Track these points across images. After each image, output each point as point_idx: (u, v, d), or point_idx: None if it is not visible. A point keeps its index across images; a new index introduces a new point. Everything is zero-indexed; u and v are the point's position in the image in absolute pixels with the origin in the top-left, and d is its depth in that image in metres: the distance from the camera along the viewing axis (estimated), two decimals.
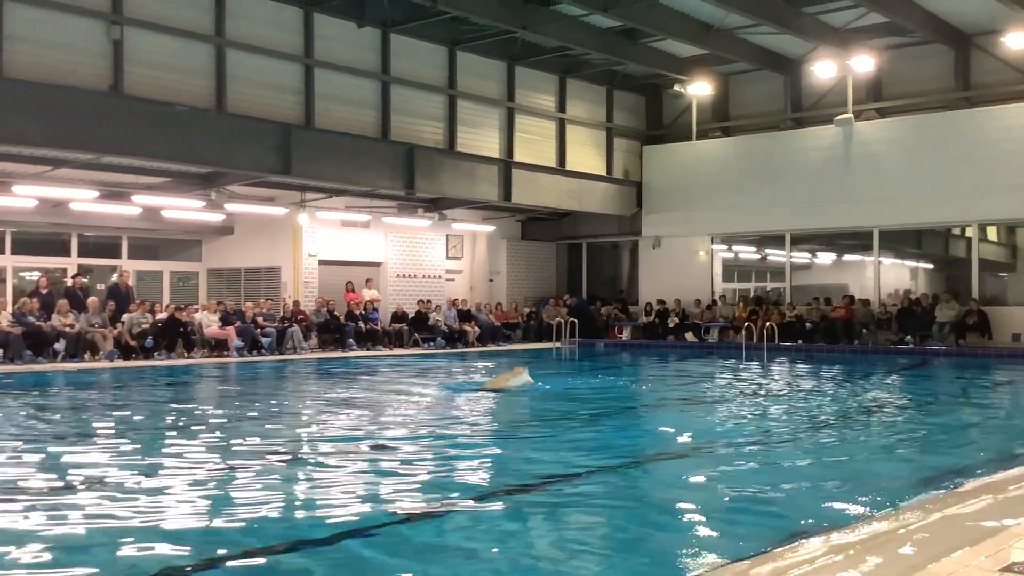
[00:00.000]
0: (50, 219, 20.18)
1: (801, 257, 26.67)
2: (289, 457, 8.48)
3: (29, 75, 15.92)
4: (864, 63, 22.84)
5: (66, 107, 15.96)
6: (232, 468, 7.74)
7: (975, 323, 21.20)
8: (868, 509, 6.10)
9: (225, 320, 19.78)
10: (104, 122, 16.39)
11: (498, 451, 8.93)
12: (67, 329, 17.59)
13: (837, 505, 6.28)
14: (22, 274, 21.21)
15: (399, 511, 6.22)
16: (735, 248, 27.24)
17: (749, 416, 11.42)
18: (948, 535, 5.07)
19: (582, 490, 6.99)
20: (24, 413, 11.18)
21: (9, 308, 17.81)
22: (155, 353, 18.37)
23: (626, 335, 25.71)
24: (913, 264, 26.38)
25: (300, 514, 6.28)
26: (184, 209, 20.81)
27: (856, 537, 5.14)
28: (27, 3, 16.12)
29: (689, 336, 24.57)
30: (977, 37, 22.92)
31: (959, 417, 11.82)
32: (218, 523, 5.94)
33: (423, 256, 25.42)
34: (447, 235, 25.90)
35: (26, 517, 6.06)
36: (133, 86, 17.30)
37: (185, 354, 18.92)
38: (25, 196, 18.33)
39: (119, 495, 6.68)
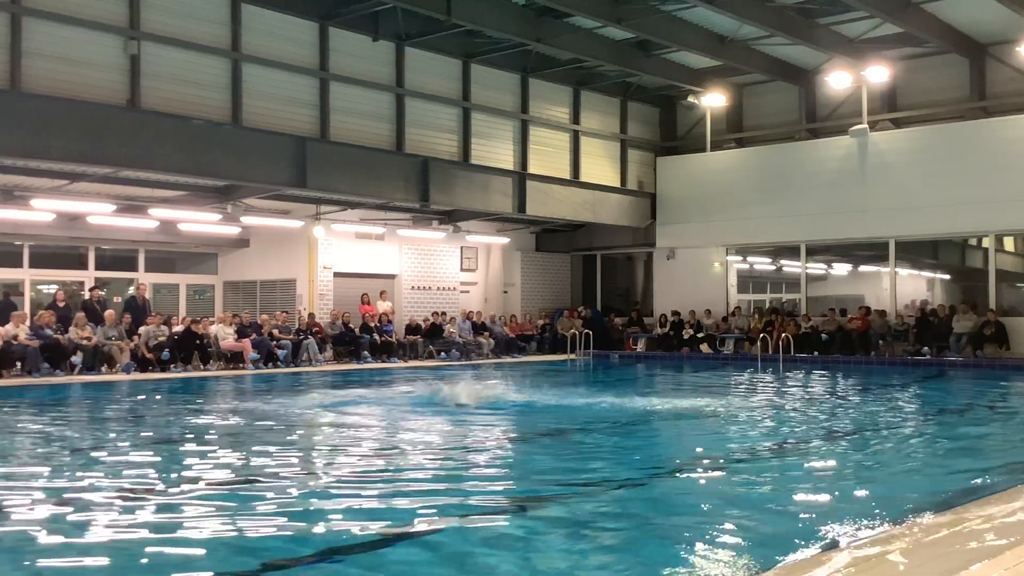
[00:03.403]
0: (67, 233, 20.31)
1: (816, 268, 26.57)
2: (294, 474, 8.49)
3: (47, 90, 16.06)
4: (879, 73, 22.80)
5: (84, 121, 16.09)
6: (242, 484, 7.76)
7: (993, 334, 21.07)
8: (886, 522, 6.06)
9: (241, 333, 19.85)
10: (121, 136, 16.52)
11: (500, 466, 8.92)
12: (84, 342, 17.68)
13: (854, 518, 6.23)
14: (40, 287, 21.35)
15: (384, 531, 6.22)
16: (750, 259, 27.17)
17: (762, 428, 11.37)
18: (967, 547, 5.04)
19: (589, 506, 6.96)
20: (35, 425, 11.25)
21: (27, 321, 17.92)
22: (171, 366, 18.45)
23: (641, 347, 25.65)
24: (930, 275, 26.23)
25: (302, 532, 6.27)
26: (200, 222, 20.92)
27: (874, 550, 5.11)
28: (45, 19, 16.27)
29: (704, 348, 24.51)
30: (992, 47, 22.85)
31: (977, 428, 11.74)
32: (241, 536, 5.95)
33: (437, 268, 25.46)
34: (461, 247, 25.94)
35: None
36: (150, 100, 17.43)
37: (201, 367, 18.99)
38: (43, 210, 18.47)
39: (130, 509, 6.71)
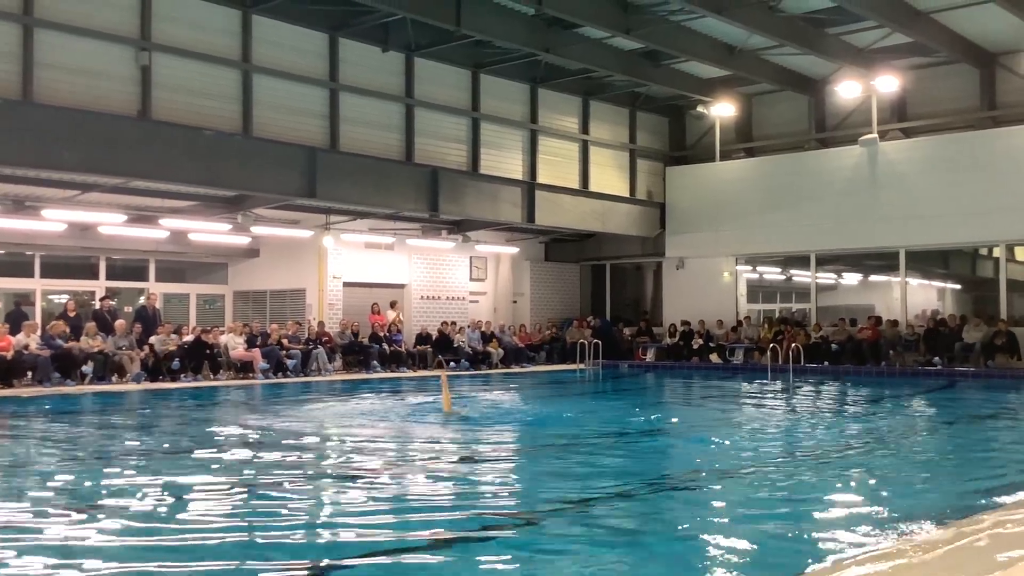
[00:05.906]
0: (79, 243, 20.39)
1: (827, 278, 26.51)
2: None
3: (59, 101, 16.15)
4: (888, 83, 22.77)
5: (95, 132, 16.16)
6: (249, 488, 7.77)
7: (1004, 344, 20.97)
8: (899, 533, 6.03)
9: (251, 342, 19.89)
10: (133, 147, 16.58)
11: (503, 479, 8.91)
12: (95, 351, 17.73)
13: (870, 528, 6.21)
14: (51, 297, 21.44)
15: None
16: (760, 269, 27.12)
17: (773, 439, 11.33)
18: (980, 559, 5.01)
19: (596, 517, 6.94)
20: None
21: (38, 331, 17.98)
22: (182, 375, 18.49)
23: (650, 356, 25.61)
24: (940, 284, 26.15)
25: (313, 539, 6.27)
26: (211, 232, 21.00)
27: (886, 563, 5.09)
28: (57, 30, 16.37)
29: (714, 357, 24.44)
30: (1002, 56, 22.80)
31: (990, 438, 11.67)
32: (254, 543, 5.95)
33: (447, 278, 25.48)
34: (471, 257, 25.97)
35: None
36: (161, 111, 17.51)
37: (211, 376, 19.03)
38: (54, 220, 18.57)
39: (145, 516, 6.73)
